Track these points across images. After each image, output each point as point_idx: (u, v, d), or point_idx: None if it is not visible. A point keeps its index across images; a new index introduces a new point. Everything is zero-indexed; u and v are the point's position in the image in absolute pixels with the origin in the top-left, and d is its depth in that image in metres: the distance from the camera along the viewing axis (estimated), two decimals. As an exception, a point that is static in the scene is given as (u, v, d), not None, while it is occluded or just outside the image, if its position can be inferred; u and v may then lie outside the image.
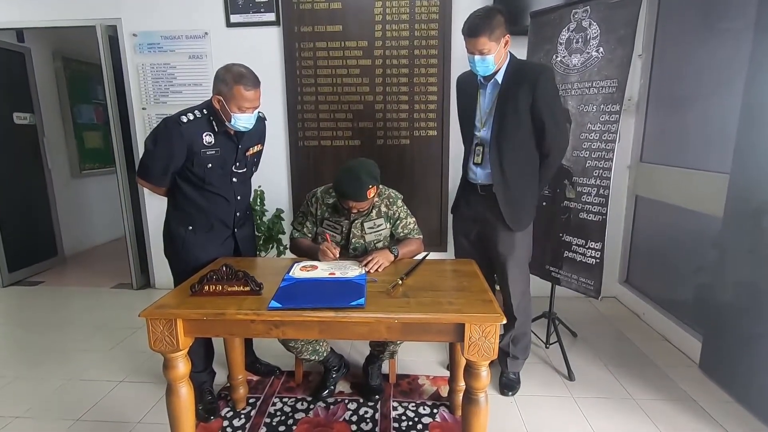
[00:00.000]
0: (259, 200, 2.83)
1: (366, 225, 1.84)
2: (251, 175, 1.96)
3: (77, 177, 4.53)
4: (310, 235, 1.92)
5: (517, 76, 1.75)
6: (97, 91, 4.68)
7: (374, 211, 1.85)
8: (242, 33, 2.98)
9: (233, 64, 1.66)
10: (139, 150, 3.16)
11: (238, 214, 1.87)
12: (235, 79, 1.61)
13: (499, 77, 1.78)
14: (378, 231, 1.85)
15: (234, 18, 2.95)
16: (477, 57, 1.71)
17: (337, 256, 1.73)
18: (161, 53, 3.05)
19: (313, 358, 1.96)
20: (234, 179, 1.82)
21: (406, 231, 1.89)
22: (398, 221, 1.88)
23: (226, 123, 1.68)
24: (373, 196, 1.73)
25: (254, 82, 1.65)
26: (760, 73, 1.79)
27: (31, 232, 3.82)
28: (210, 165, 1.72)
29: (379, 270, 1.64)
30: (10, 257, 3.60)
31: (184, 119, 1.65)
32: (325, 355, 2.00)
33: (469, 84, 1.91)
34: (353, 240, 1.85)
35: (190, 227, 1.78)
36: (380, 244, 1.87)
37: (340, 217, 1.85)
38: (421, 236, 1.91)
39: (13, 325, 2.93)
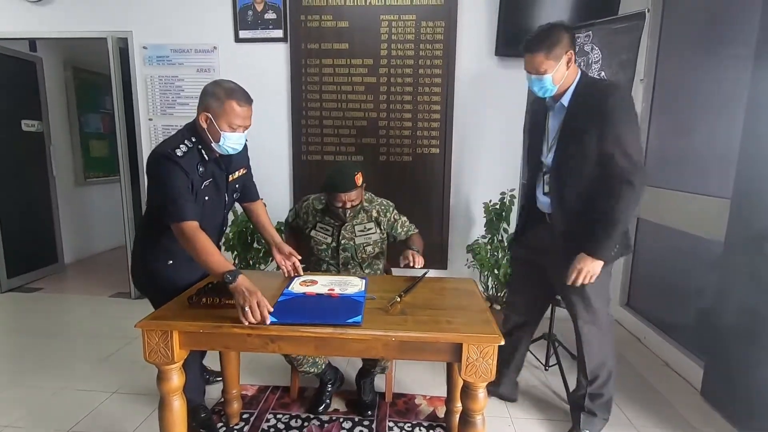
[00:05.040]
0: (260, 213, 2.83)
1: (357, 228, 1.94)
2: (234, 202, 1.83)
3: (81, 185, 4.56)
4: (299, 221, 2.02)
5: (583, 100, 1.56)
6: (105, 100, 4.74)
7: (366, 215, 1.95)
8: (250, 48, 3.03)
9: (222, 79, 1.55)
10: (144, 159, 3.18)
11: (221, 242, 1.81)
12: (227, 93, 1.47)
13: (566, 100, 1.60)
14: (368, 234, 1.95)
15: (243, 34, 3.01)
16: (533, 76, 1.56)
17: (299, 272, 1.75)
18: (170, 66, 3.10)
19: (312, 370, 1.96)
20: (225, 209, 1.73)
21: (405, 228, 2.01)
22: (395, 223, 2.00)
23: (213, 144, 1.53)
24: (362, 184, 1.85)
25: (247, 98, 1.52)
26: (761, 98, 1.81)
27: (32, 239, 3.83)
28: (207, 197, 1.59)
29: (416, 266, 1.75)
30: (10, 263, 3.60)
31: (179, 152, 1.47)
32: (323, 367, 2.00)
33: (539, 105, 1.75)
34: (343, 242, 1.93)
35: (170, 261, 1.64)
36: (369, 248, 1.96)
37: (331, 220, 1.94)
38: (417, 229, 2.04)
39: (9, 331, 2.91)
